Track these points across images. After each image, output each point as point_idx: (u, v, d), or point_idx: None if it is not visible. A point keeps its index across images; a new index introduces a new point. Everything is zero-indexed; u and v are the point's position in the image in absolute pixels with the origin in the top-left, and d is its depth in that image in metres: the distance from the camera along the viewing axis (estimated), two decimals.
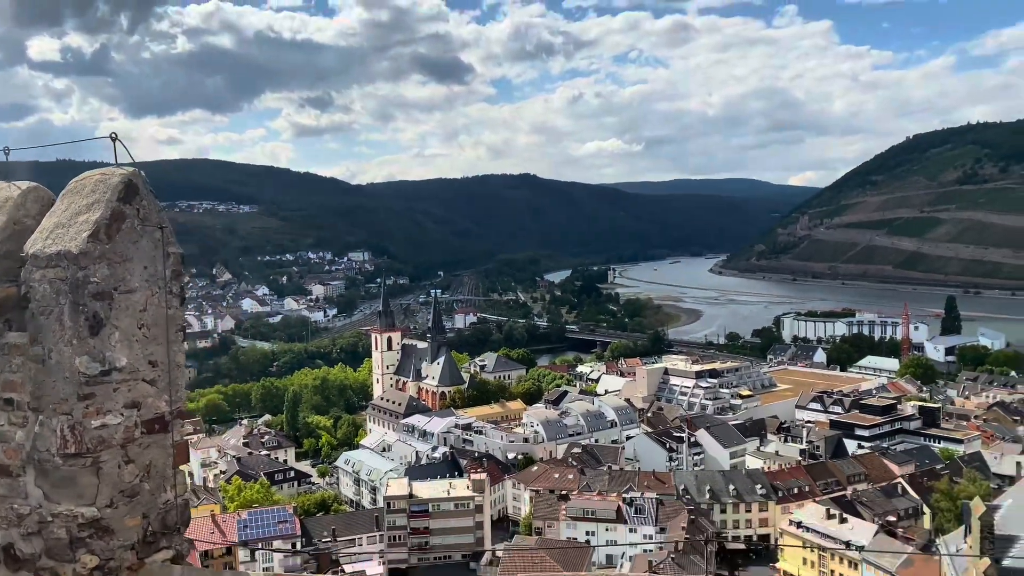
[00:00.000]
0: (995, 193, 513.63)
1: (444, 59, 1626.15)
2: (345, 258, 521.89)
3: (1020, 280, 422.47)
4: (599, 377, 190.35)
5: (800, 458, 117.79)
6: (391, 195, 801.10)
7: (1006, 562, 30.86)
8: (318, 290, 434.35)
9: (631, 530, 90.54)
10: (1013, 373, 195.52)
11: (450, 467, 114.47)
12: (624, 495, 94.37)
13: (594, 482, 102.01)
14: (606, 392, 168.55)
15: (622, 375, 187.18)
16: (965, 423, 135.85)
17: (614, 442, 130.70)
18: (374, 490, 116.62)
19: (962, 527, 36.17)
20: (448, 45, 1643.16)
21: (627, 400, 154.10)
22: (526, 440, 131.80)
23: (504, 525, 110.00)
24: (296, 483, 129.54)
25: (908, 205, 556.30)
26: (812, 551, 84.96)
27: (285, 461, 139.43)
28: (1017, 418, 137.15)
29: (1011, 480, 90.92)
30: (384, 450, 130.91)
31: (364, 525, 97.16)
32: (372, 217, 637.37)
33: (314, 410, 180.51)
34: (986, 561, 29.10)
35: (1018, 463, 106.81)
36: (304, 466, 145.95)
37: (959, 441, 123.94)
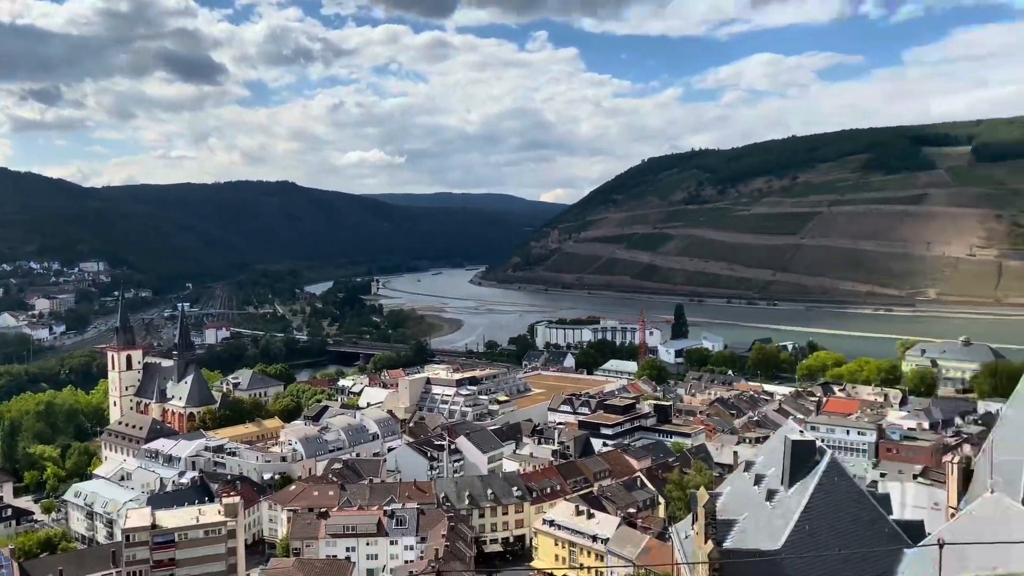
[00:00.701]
0: (714, 212, 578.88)
1: (193, 57, 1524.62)
2: (76, 268, 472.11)
3: (734, 290, 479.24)
4: (361, 390, 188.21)
5: (552, 458, 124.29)
6: (131, 199, 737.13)
7: (727, 544, 34.66)
8: (42, 304, 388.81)
9: (392, 542, 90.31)
10: (730, 372, 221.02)
11: (200, 492, 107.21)
12: (385, 508, 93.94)
13: (355, 497, 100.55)
14: (368, 405, 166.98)
15: (385, 387, 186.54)
16: (692, 418, 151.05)
17: (376, 455, 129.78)
18: (111, 523, 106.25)
19: (691, 514, 40.13)
20: (198, 43, 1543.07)
21: (389, 412, 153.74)
22: (284, 459, 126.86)
23: (260, 549, 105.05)
24: (15, 522, 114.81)
25: (644, 222, 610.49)
26: (563, 547, 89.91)
27: (1, 498, 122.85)
28: (734, 412, 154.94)
29: (730, 468, 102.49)
30: (123, 479, 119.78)
31: (98, 563, 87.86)
32: (108, 223, 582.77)
33: (37, 439, 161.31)
34: (710, 544, 32.47)
35: (735, 452, 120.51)
36: (25, 502, 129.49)
37: (687, 435, 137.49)
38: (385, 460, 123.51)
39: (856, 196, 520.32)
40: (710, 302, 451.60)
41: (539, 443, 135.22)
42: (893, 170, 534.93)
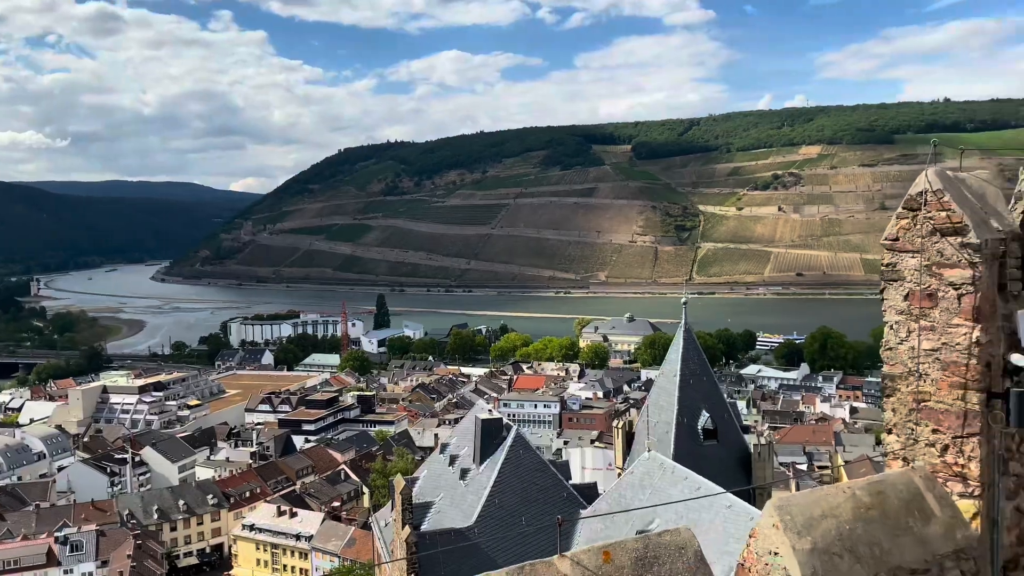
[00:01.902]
0: (412, 204, 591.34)
1: None
2: None
3: (433, 278, 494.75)
4: (22, 405, 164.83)
5: (251, 460, 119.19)
6: None
7: (424, 526, 35.85)
8: None
9: (67, 571, 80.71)
10: (431, 358, 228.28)
11: None
12: (57, 534, 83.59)
13: (18, 526, 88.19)
14: (32, 421, 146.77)
15: (52, 399, 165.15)
16: (395, 406, 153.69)
17: (43, 476, 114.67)
18: None
19: (390, 501, 40.94)
20: None
21: (58, 427, 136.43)
22: None
23: None
24: None
25: (343, 213, 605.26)
26: (265, 550, 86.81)
27: None
28: (435, 396, 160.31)
29: (431, 451, 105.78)
30: None
31: None
32: None
33: None
34: (407, 529, 33.39)
35: (435, 435, 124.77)
36: None
37: (391, 423, 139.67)
38: (55, 481, 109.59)
39: (538, 189, 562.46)
40: (411, 291, 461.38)
41: (236, 446, 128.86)
42: (568, 165, 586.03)
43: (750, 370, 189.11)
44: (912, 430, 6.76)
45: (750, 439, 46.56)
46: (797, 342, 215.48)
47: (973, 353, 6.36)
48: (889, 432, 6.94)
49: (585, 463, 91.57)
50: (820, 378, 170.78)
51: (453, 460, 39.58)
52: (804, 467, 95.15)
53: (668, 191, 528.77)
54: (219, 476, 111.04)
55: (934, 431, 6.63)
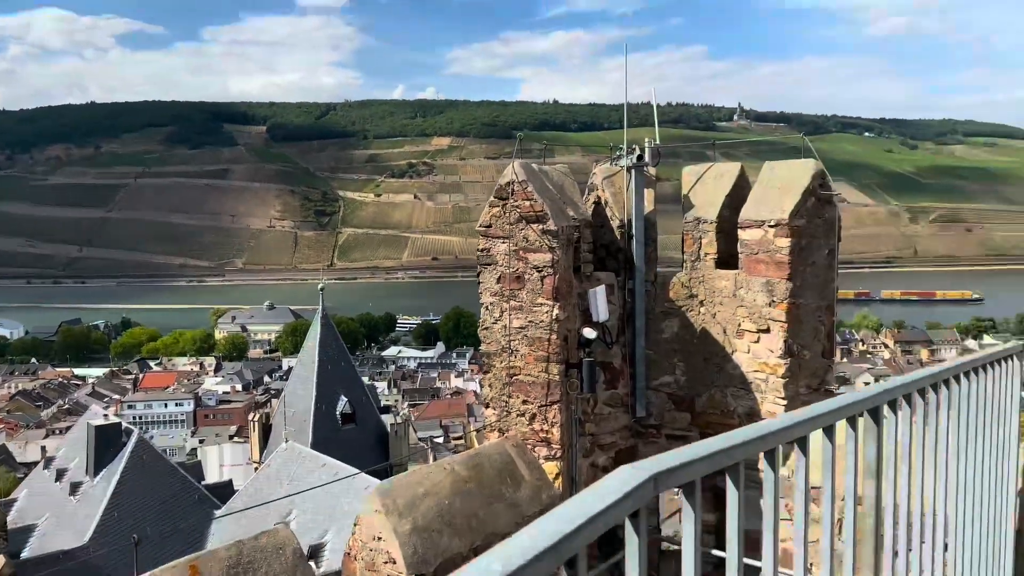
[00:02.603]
0: (5, 181, 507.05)
1: None
2: None
3: (35, 268, 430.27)
4: None
5: None
6: None
7: (25, 553, 31.08)
8: None
9: None
10: (35, 360, 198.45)
11: None
12: None
13: None
14: None
15: None
16: None
17: None
18: None
19: None
20: None
21: None
22: None
23: None
24: None
25: None
26: None
27: None
28: (40, 403, 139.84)
29: (35, 465, 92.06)
30: None
31: None
32: None
33: None
34: (2, 559, 28.69)
35: (42, 448, 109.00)
36: None
37: None
38: None
39: (163, 169, 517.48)
40: (7, 283, 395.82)
41: None
42: (198, 144, 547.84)
43: (391, 351, 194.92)
44: (506, 403, 7.31)
45: (389, 419, 47.94)
46: (434, 322, 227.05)
47: (554, 329, 7.04)
48: (487, 406, 7.44)
49: (224, 460, 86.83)
50: (454, 355, 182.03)
51: (61, 475, 34.92)
52: (441, 440, 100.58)
53: (307, 175, 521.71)
54: None
55: (524, 402, 7.23)
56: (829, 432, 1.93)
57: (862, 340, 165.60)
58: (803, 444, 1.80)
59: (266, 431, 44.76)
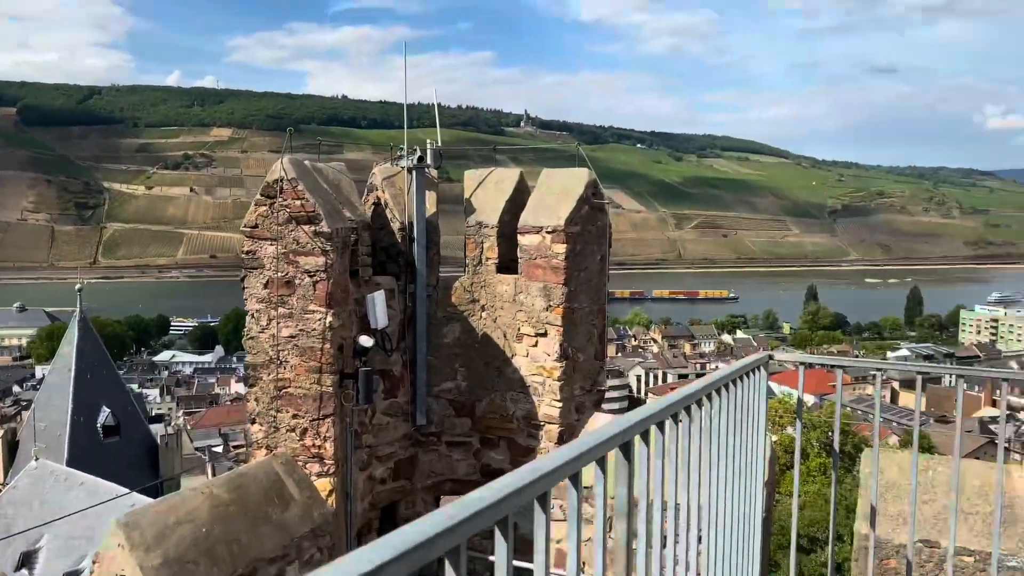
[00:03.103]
0: None
1: None
2: None
3: None
4: None
5: None
6: None
7: None
8: None
9: None
10: None
11: None
12: None
13: None
14: None
15: None
16: None
17: None
18: None
19: None
20: None
21: None
22: None
23: None
24: None
25: None
26: None
27: None
28: None
29: None
30: None
31: None
32: None
33: None
34: None
35: None
36: None
37: None
38: None
39: None
40: None
41: None
42: None
43: (163, 356, 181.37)
44: (274, 418, 6.80)
45: (160, 429, 44.48)
46: (212, 324, 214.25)
47: (327, 337, 6.64)
48: (253, 422, 6.89)
49: None
50: (235, 359, 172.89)
51: None
52: (220, 449, 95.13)
53: (66, 164, 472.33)
54: None
55: (294, 416, 6.77)
56: (601, 461, 1.93)
57: (634, 336, 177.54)
58: (575, 480, 1.79)
59: (12, 448, 39.82)
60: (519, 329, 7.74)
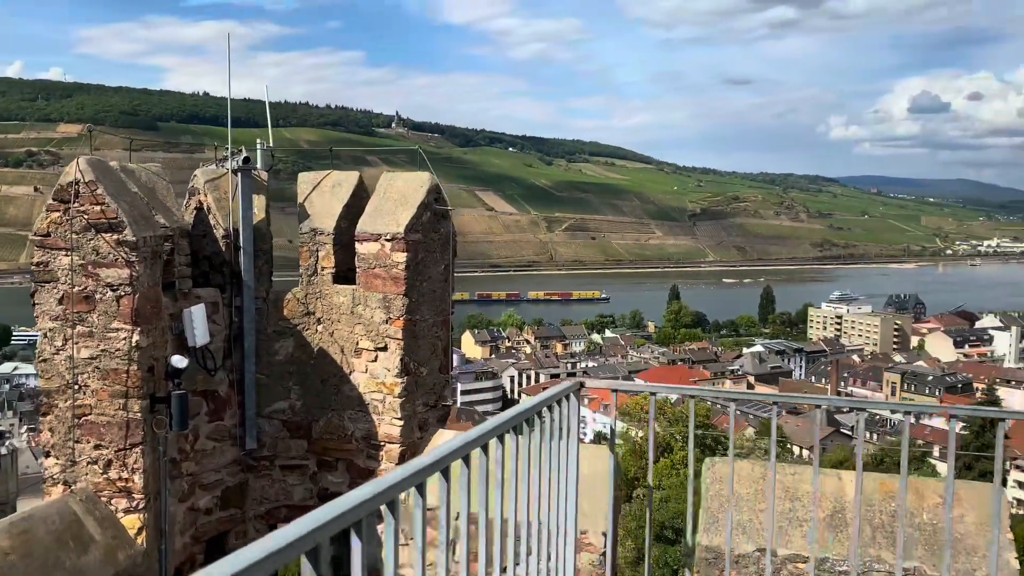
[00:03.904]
0: None
1: None
2: None
3: None
4: None
5: None
6: None
7: None
8: None
9: None
10: None
11: None
12: None
13: None
14: None
15: None
16: None
17: None
18: None
19: None
20: None
21: None
22: None
23: None
24: None
25: None
26: None
27: None
28: None
29: None
30: None
31: None
32: None
33: None
34: None
35: None
36: None
37: None
38: None
39: None
40: None
41: None
42: None
43: (5, 368, 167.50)
44: (73, 449, 6.05)
45: None
46: None
47: (134, 358, 5.96)
48: (47, 455, 6.10)
49: None
50: None
51: None
52: None
53: None
54: None
55: (96, 447, 6.04)
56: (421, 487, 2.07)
57: (508, 337, 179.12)
58: (393, 506, 1.86)
59: None
60: (357, 343, 7.29)
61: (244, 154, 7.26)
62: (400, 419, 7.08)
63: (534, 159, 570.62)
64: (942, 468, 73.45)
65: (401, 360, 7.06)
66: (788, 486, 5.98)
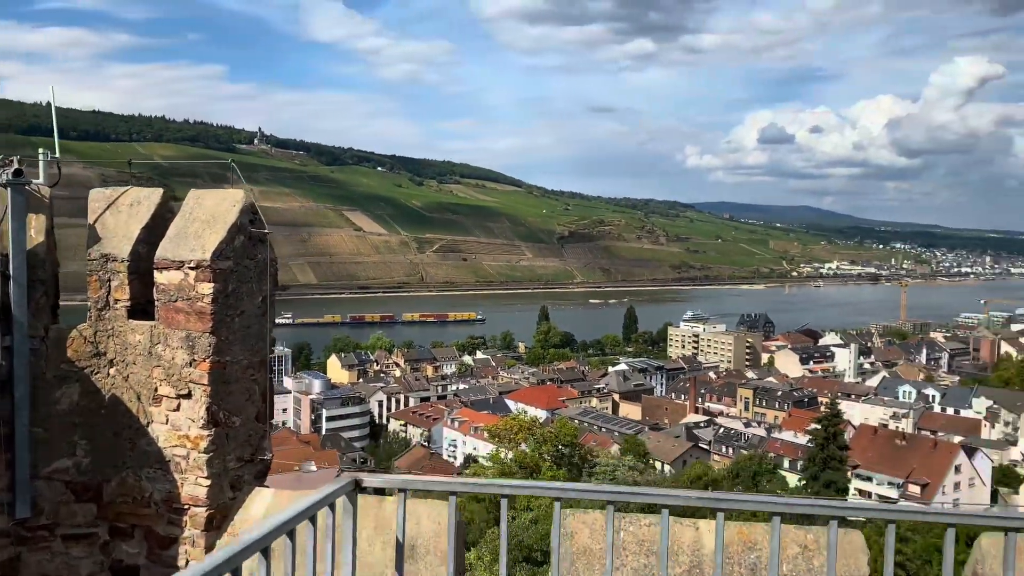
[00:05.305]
0: None
1: None
2: None
3: None
4: None
5: None
6: None
7: None
8: None
9: None
10: None
11: None
12: None
13: None
14: None
15: None
16: None
17: None
18: None
19: None
20: None
21: None
22: None
23: None
24: None
25: None
26: None
27: None
28: None
29: None
30: None
31: None
32: None
33: None
34: None
35: None
36: None
37: None
38: None
39: None
40: None
41: None
42: None
43: None
44: None
45: None
46: None
47: None
48: None
49: None
50: None
51: None
52: None
53: None
54: None
55: None
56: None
57: (376, 360, 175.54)
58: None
59: None
60: (156, 389, 6.21)
61: (15, 165, 6.06)
62: (207, 478, 6.06)
63: (404, 179, 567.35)
64: (792, 479, 77.28)
65: (208, 409, 6.05)
66: (643, 539, 5.44)
